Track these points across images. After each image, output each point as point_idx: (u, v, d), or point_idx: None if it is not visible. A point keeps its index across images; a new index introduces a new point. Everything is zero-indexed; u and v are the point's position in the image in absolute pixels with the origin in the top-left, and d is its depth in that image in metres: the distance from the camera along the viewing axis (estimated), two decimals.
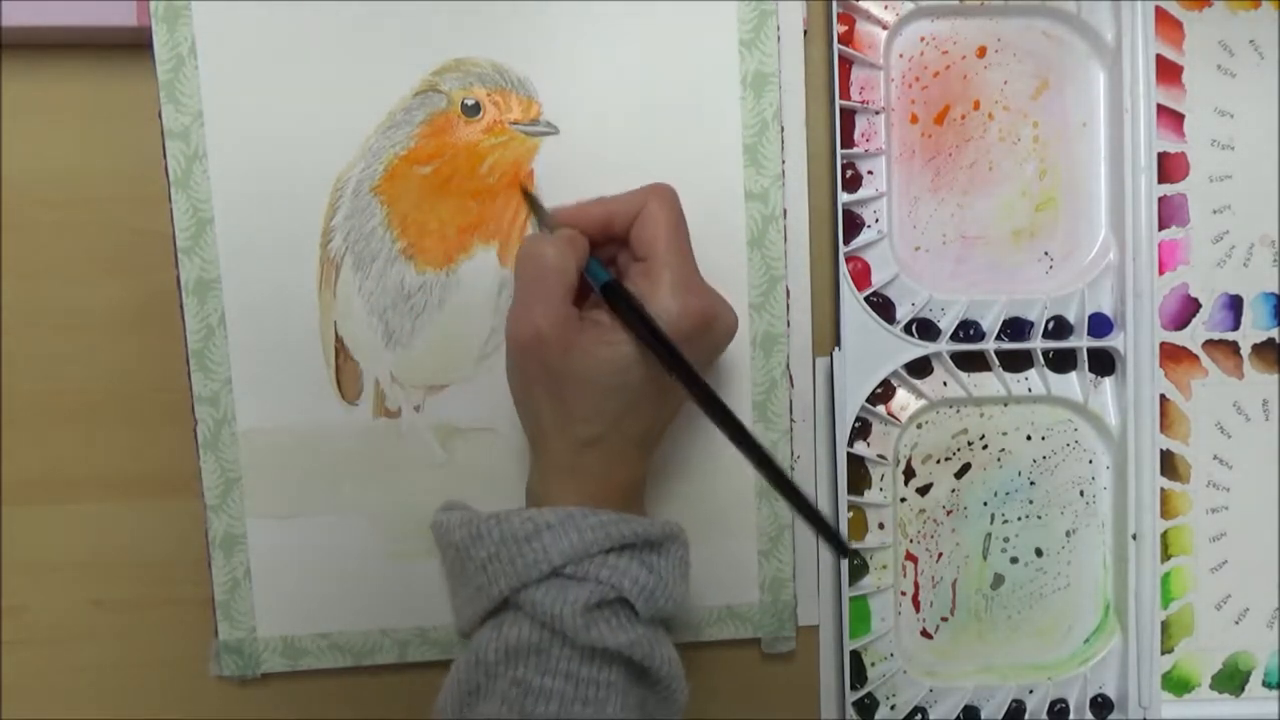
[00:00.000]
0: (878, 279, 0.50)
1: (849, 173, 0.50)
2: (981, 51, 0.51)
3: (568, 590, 0.39)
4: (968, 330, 0.51)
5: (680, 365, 0.39)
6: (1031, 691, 0.52)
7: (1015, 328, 0.51)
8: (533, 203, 0.44)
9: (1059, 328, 0.51)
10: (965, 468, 0.52)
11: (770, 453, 0.39)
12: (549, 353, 0.39)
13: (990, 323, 0.51)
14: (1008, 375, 0.51)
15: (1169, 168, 0.51)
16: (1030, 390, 0.51)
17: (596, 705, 0.39)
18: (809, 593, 0.51)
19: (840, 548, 0.40)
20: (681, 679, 0.42)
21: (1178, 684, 0.53)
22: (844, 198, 0.49)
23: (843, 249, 0.49)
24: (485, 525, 0.40)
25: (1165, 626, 0.52)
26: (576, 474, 0.41)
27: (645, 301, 0.40)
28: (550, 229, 0.42)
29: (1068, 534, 0.52)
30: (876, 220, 0.50)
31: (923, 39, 0.50)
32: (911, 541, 0.52)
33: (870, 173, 0.50)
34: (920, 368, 0.51)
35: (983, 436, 0.52)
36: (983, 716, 0.52)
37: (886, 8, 0.49)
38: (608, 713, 0.39)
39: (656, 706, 0.42)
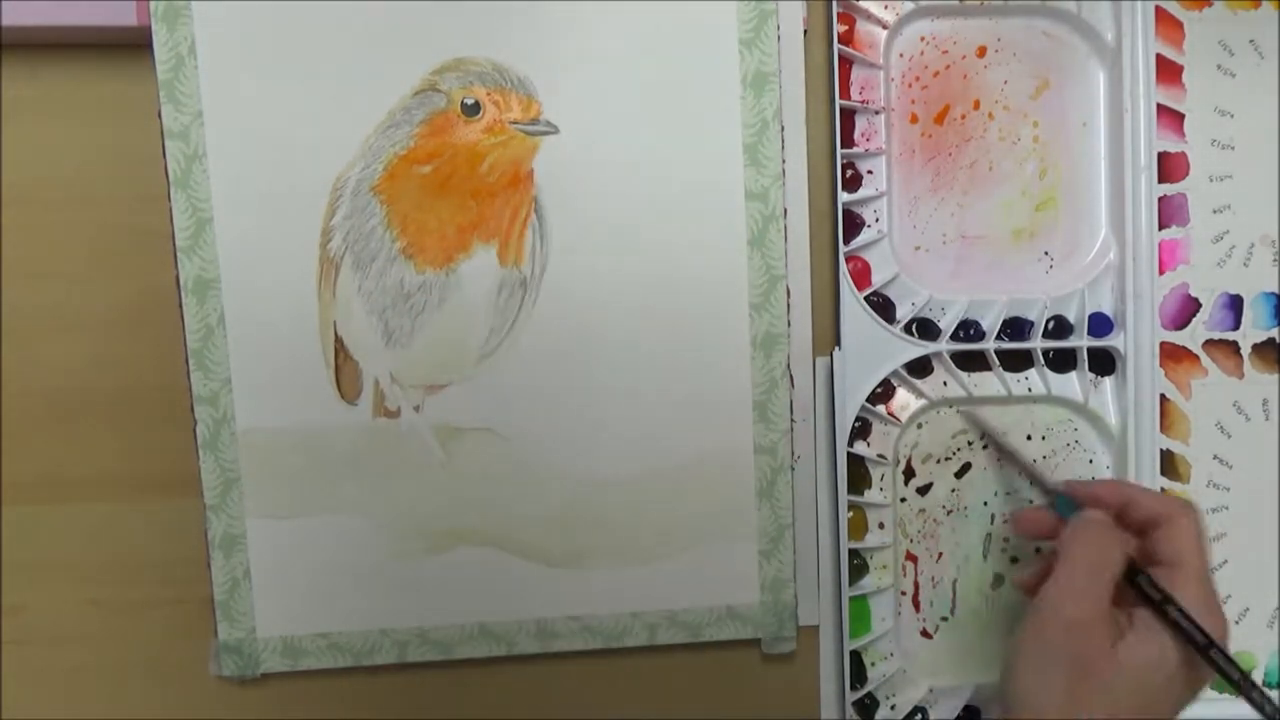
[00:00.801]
0: (878, 279, 0.50)
1: (849, 172, 0.50)
2: (981, 51, 0.51)
3: None
4: (968, 330, 0.51)
5: (1235, 672, 0.41)
6: None
7: (1015, 327, 0.51)
8: (1068, 496, 0.45)
9: (1059, 328, 0.51)
10: (965, 468, 0.52)
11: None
12: (1100, 640, 0.40)
13: (990, 322, 0.51)
14: (1008, 375, 0.51)
15: (1169, 168, 0.51)
16: (1030, 390, 0.51)
17: None
18: (809, 593, 0.51)
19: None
20: None
21: None
22: (844, 197, 0.49)
23: (843, 249, 0.49)
24: None
25: None
26: None
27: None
28: (1055, 494, 0.45)
29: None
30: (876, 220, 0.50)
31: (923, 39, 0.50)
32: (912, 541, 0.52)
33: (870, 172, 0.50)
34: (920, 367, 0.51)
35: (983, 436, 0.52)
36: (983, 717, 0.52)
37: (886, 7, 0.49)
38: None
39: None
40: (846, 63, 0.49)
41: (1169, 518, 0.43)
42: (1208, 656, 0.40)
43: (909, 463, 0.52)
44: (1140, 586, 0.42)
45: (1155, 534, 0.43)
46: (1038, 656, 0.41)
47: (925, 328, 0.50)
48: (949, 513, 0.52)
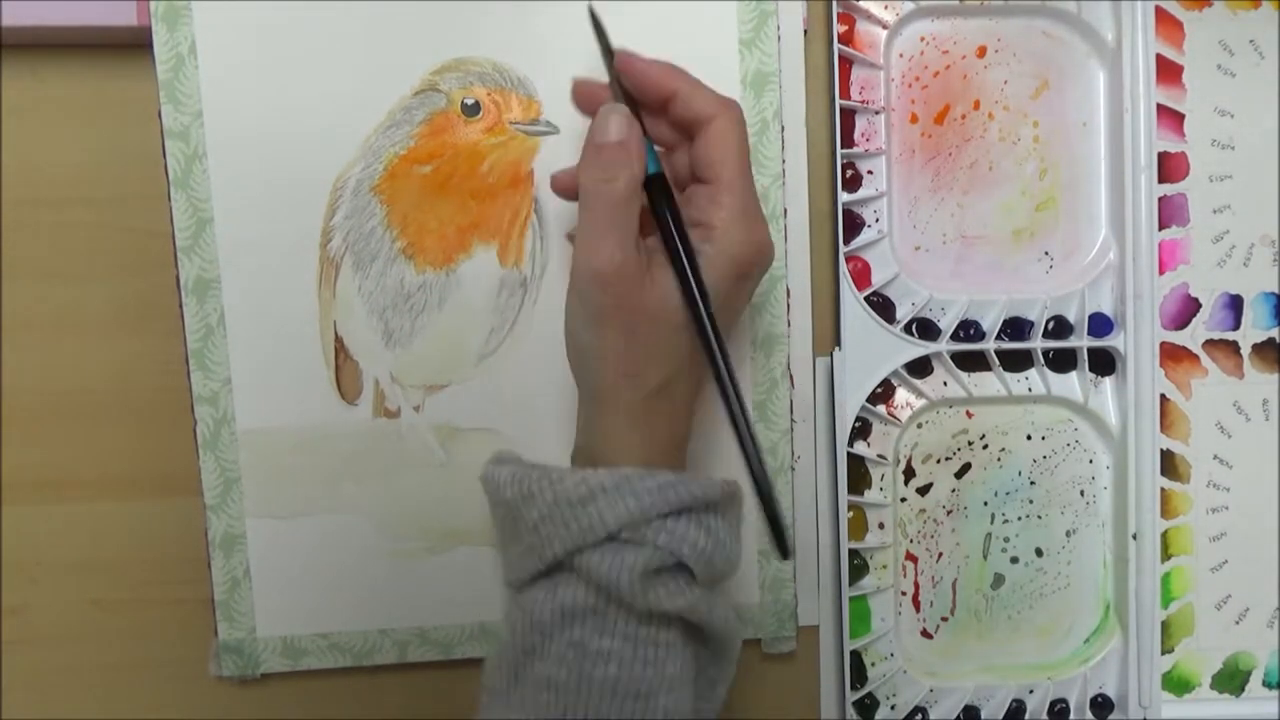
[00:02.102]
0: (878, 279, 0.50)
1: (849, 172, 0.50)
2: (981, 51, 0.51)
3: (624, 555, 0.37)
4: (968, 330, 0.51)
5: (695, 282, 0.38)
6: (1031, 691, 0.52)
7: (1015, 327, 0.51)
8: (600, 31, 0.42)
9: (1059, 327, 0.51)
10: (965, 467, 0.52)
11: (757, 439, 0.39)
12: (626, 285, 0.38)
13: (990, 322, 0.51)
14: (1008, 375, 0.51)
15: (1169, 168, 0.51)
16: (1030, 390, 0.51)
17: (656, 665, 0.38)
18: (809, 593, 0.51)
19: (784, 549, 0.39)
20: (737, 636, 0.41)
21: (1178, 684, 0.53)
22: (844, 197, 0.49)
23: (843, 249, 0.49)
24: (537, 485, 0.39)
25: (1165, 626, 0.52)
26: (640, 428, 0.40)
27: (713, 230, 0.39)
28: (612, 74, 0.41)
29: (1068, 534, 0.52)
30: (877, 220, 0.50)
31: (923, 39, 0.50)
32: (911, 541, 0.52)
33: (870, 172, 0.50)
34: (920, 367, 0.51)
35: (983, 436, 0.52)
36: (983, 716, 0.52)
37: (886, 8, 0.49)
38: (667, 671, 0.38)
39: (710, 662, 0.41)
40: (846, 63, 0.49)
41: (709, 119, 0.39)
42: (687, 291, 0.38)
43: (909, 463, 0.52)
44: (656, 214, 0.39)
45: (697, 140, 0.40)
46: (585, 323, 0.39)
47: (925, 328, 0.50)
48: (949, 513, 0.52)
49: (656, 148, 0.41)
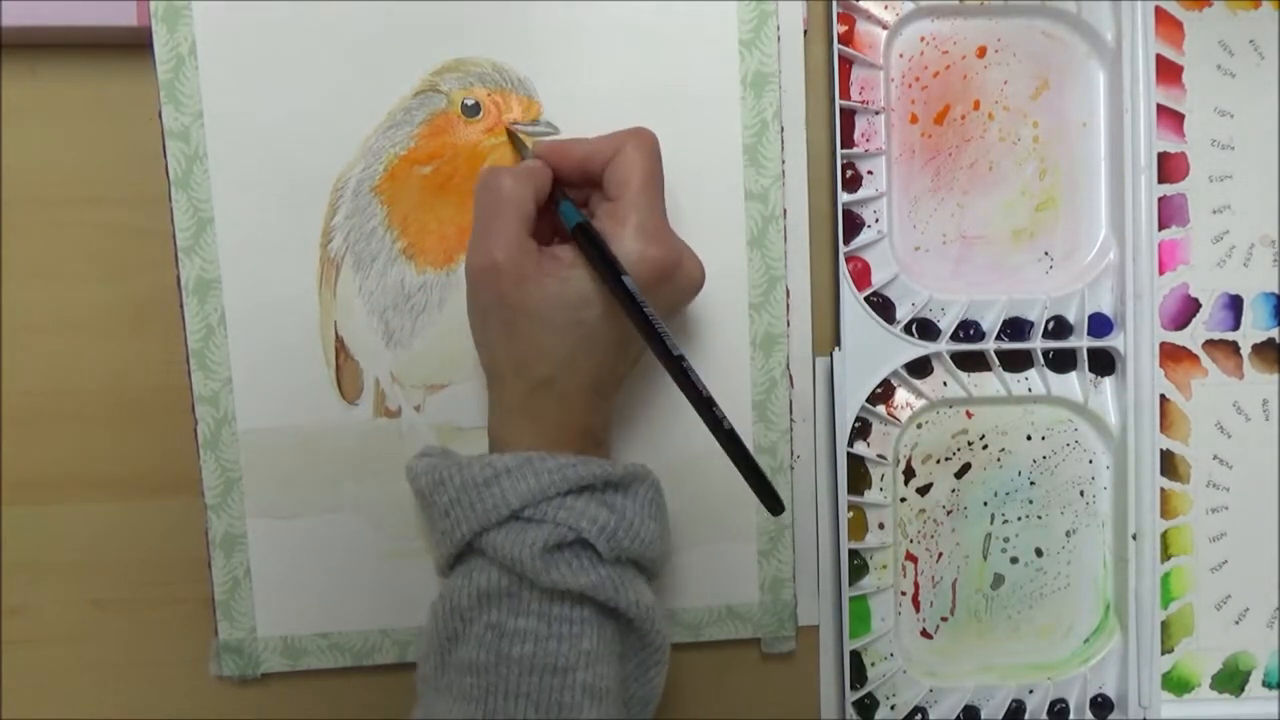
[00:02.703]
0: (878, 279, 0.50)
1: (849, 173, 0.50)
2: (981, 51, 0.51)
3: (526, 533, 0.39)
4: (968, 330, 0.51)
5: (638, 310, 0.39)
6: (1031, 691, 0.52)
7: (1015, 328, 0.51)
8: (515, 140, 0.45)
9: (1059, 328, 0.51)
10: (965, 468, 0.52)
11: (720, 411, 0.39)
12: (504, 283, 0.40)
13: (990, 323, 0.51)
14: (1008, 375, 0.51)
15: (1169, 168, 0.51)
16: (1030, 390, 0.51)
17: (571, 640, 0.39)
18: (809, 593, 0.51)
19: (774, 504, 0.39)
20: (657, 621, 0.42)
21: (1178, 684, 0.53)
22: (844, 197, 0.49)
23: (843, 249, 0.49)
24: (447, 471, 0.41)
25: (1165, 626, 0.52)
26: (532, 416, 0.41)
27: (608, 243, 0.40)
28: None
29: (1068, 534, 0.52)
30: (876, 220, 0.50)
31: (923, 39, 0.50)
32: (911, 541, 0.52)
33: (870, 173, 0.50)
34: (920, 368, 0.51)
35: (983, 436, 0.52)
36: (983, 716, 0.52)
37: (886, 8, 0.49)
38: (583, 647, 0.39)
39: (635, 643, 0.42)
40: (846, 63, 0.49)
41: (618, 149, 0.42)
42: (613, 286, 0.39)
43: (909, 463, 0.52)
44: (576, 236, 0.41)
45: (605, 173, 0.42)
46: (473, 315, 0.43)
47: (925, 328, 0.50)
48: (949, 513, 0.52)
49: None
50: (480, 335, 0.43)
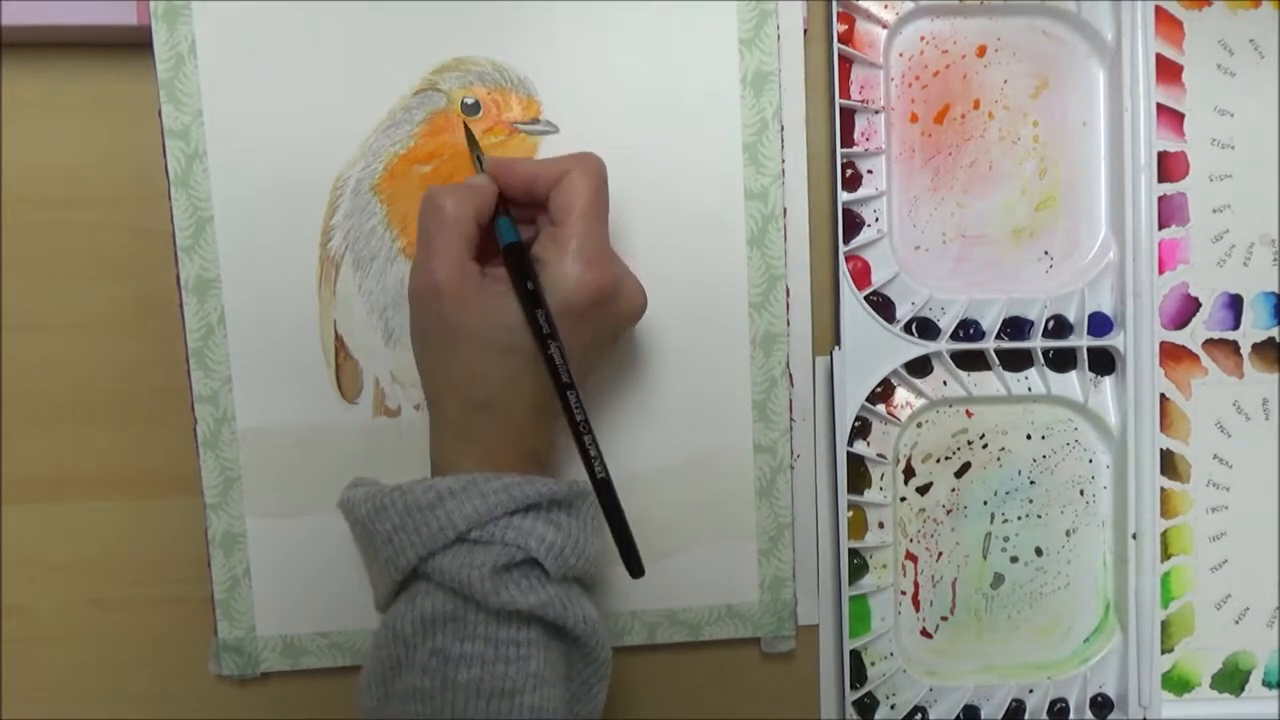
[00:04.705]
0: (878, 278, 0.50)
1: (849, 172, 0.50)
2: (981, 51, 0.51)
3: (474, 555, 0.39)
4: (968, 329, 0.51)
5: (541, 337, 0.39)
6: (1031, 691, 0.52)
7: (1015, 327, 0.51)
8: (472, 141, 0.45)
9: (1059, 327, 0.51)
10: (965, 467, 0.52)
11: (599, 462, 0.40)
12: (444, 304, 0.40)
13: (990, 322, 0.51)
14: (1008, 374, 0.51)
15: (1169, 167, 0.51)
16: (1030, 390, 0.51)
17: (518, 663, 0.39)
18: (809, 592, 0.51)
19: (635, 567, 0.41)
20: (600, 635, 0.41)
21: (1178, 684, 0.53)
22: (844, 197, 0.49)
23: (842, 248, 0.49)
24: (389, 497, 0.40)
25: (1165, 626, 0.52)
26: (473, 439, 0.41)
27: (547, 267, 0.40)
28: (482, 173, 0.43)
29: (1068, 533, 0.52)
30: (876, 219, 0.50)
31: (923, 38, 0.50)
32: (911, 541, 0.52)
33: (870, 172, 0.50)
34: (920, 367, 0.51)
35: (983, 436, 0.52)
36: (983, 716, 0.52)
37: (886, 7, 0.49)
38: (530, 669, 0.39)
39: (580, 661, 0.42)
40: (846, 62, 0.49)
41: (565, 173, 0.41)
42: (523, 307, 0.40)
43: (909, 462, 0.52)
44: (506, 256, 0.41)
45: (550, 197, 0.42)
46: (412, 328, 0.42)
47: (925, 327, 0.50)
48: (949, 512, 0.52)
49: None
50: (421, 358, 0.42)
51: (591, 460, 0.40)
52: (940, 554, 0.52)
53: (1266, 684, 0.53)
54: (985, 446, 0.52)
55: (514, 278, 0.40)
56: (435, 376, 0.42)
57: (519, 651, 0.39)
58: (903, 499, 0.52)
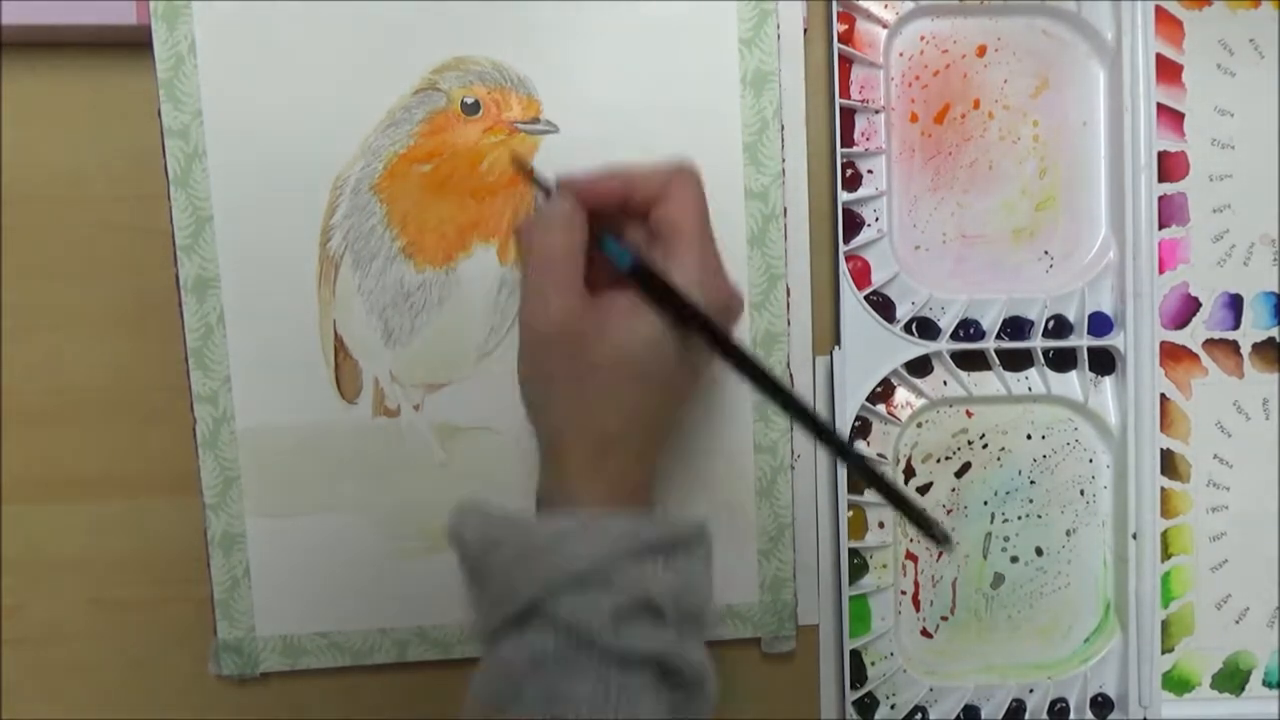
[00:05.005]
0: (878, 278, 0.50)
1: (849, 171, 0.50)
2: (981, 50, 0.51)
3: (595, 597, 0.37)
4: (968, 329, 0.51)
5: (723, 339, 0.38)
6: (1031, 691, 0.52)
7: (1015, 327, 0.51)
8: (536, 180, 0.42)
9: (1059, 327, 0.51)
10: (965, 467, 0.52)
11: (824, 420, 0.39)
12: (573, 344, 0.38)
13: (990, 322, 0.51)
14: (1008, 374, 0.51)
15: (1169, 167, 0.51)
16: (1030, 389, 0.51)
17: (628, 706, 0.37)
18: (809, 592, 0.51)
19: (941, 537, 0.39)
20: (712, 677, 0.40)
21: (1178, 683, 0.53)
22: (844, 196, 0.49)
23: (843, 248, 0.49)
24: (504, 532, 0.39)
25: (1165, 626, 0.52)
26: (597, 475, 0.40)
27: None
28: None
29: (1068, 533, 0.52)
30: (876, 219, 0.50)
31: (923, 38, 0.50)
32: (912, 541, 0.52)
33: (870, 171, 0.50)
34: (920, 367, 0.51)
35: (983, 435, 0.52)
36: (983, 716, 0.52)
37: (886, 7, 0.49)
38: (640, 714, 0.37)
39: (686, 703, 0.40)
40: (846, 62, 0.49)
41: (660, 189, 0.40)
42: (687, 319, 0.38)
43: (909, 462, 0.52)
44: (636, 277, 0.39)
45: (655, 213, 0.40)
46: (533, 379, 0.40)
47: (925, 327, 0.50)
48: (949, 512, 0.52)
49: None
50: (540, 399, 0.40)
51: (835, 437, 0.39)
52: (940, 554, 0.52)
53: (1267, 684, 0.53)
54: (985, 446, 0.52)
55: (648, 294, 0.39)
56: (557, 418, 0.40)
57: (629, 696, 0.37)
58: None
